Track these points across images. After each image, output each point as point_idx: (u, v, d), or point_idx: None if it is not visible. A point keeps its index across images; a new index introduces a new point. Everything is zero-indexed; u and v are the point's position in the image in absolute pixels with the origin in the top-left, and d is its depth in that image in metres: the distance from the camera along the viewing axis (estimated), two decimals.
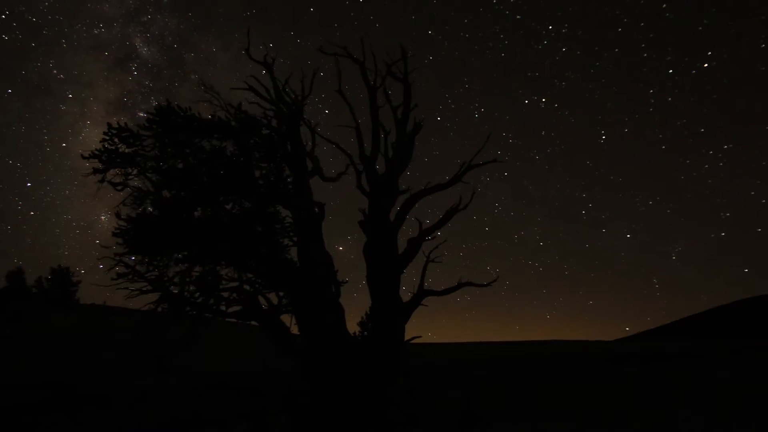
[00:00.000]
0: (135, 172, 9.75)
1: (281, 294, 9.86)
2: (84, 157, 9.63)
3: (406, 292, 9.64)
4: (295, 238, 9.97)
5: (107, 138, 9.53)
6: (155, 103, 9.79)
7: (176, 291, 9.65)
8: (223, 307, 9.69)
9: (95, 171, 9.66)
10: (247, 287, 9.78)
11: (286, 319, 9.77)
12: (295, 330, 9.64)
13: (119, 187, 9.71)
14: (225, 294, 9.71)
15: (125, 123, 9.56)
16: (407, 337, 9.42)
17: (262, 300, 9.78)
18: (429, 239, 9.89)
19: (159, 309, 9.63)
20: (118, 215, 9.53)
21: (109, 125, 9.58)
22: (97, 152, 9.55)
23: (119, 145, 9.61)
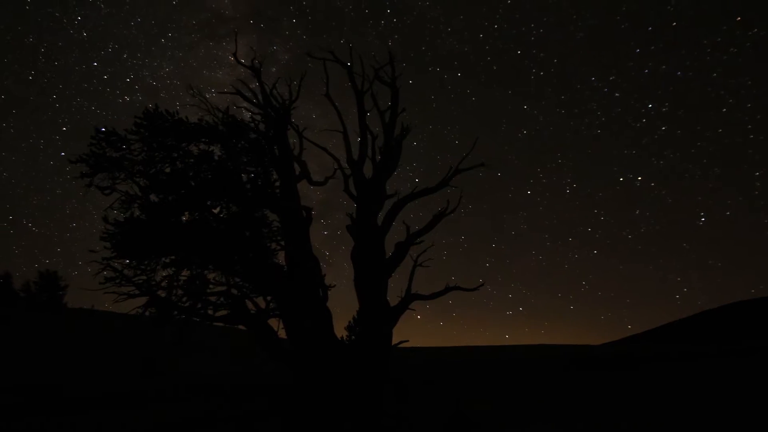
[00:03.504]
0: (122, 176, 9.72)
1: (269, 298, 9.84)
2: (71, 162, 9.60)
3: (395, 297, 9.67)
4: (282, 242, 9.97)
5: (94, 142, 9.51)
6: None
7: (164, 295, 9.63)
8: (210, 311, 9.66)
9: (83, 175, 9.63)
10: (234, 291, 9.77)
11: (274, 323, 9.76)
12: (282, 334, 9.64)
13: (107, 192, 9.68)
14: (212, 298, 9.69)
15: (113, 128, 9.55)
16: (395, 341, 9.43)
17: (249, 304, 9.77)
18: (417, 243, 9.92)
19: (147, 313, 9.61)
20: (105, 219, 9.51)
21: (97, 129, 9.56)
22: (84, 156, 9.52)
23: (107, 149, 9.59)
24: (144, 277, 9.56)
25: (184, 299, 9.65)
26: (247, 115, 10.17)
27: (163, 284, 9.63)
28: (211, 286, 9.80)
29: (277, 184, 10.04)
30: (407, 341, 9.68)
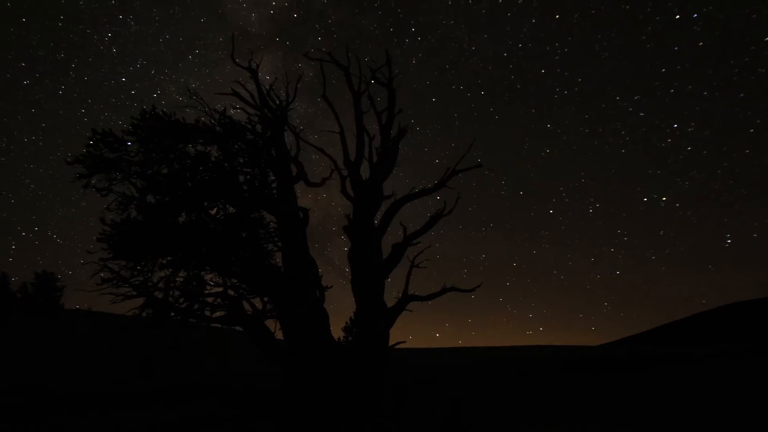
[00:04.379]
0: (119, 177, 9.72)
1: (266, 299, 9.84)
2: (68, 163, 9.60)
3: (393, 298, 9.69)
4: (279, 244, 9.97)
5: (92, 143, 9.51)
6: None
7: (161, 296, 9.62)
8: (207, 313, 9.66)
9: (80, 176, 9.63)
10: (231, 292, 9.77)
11: (271, 324, 9.77)
12: (279, 335, 9.65)
13: (104, 193, 9.68)
14: (209, 299, 9.70)
15: (110, 129, 9.56)
16: (392, 342, 9.44)
17: (246, 305, 9.77)
18: (414, 244, 9.93)
19: (143, 314, 9.60)
20: (102, 220, 9.50)
21: (94, 130, 9.56)
22: (81, 157, 9.52)
23: (104, 151, 9.59)
24: (141, 278, 9.56)
25: (181, 300, 9.65)
26: (244, 117, 10.17)
27: (160, 285, 9.63)
28: (208, 287, 9.80)
29: (274, 185, 10.04)
30: (404, 342, 9.69)
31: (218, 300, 9.66)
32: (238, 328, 9.80)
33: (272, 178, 10.10)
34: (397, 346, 9.49)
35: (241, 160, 10.04)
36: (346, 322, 11.70)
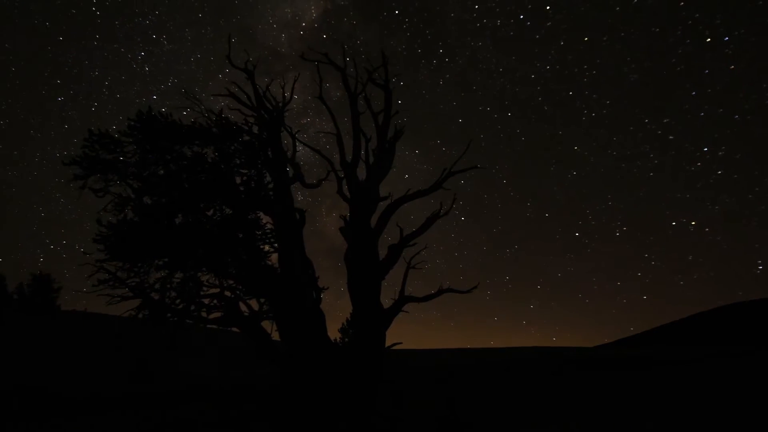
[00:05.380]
0: (116, 178, 9.72)
1: (262, 300, 9.83)
2: (65, 164, 9.60)
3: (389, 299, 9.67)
4: (276, 245, 9.96)
5: (88, 144, 9.51)
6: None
7: (157, 297, 9.61)
8: (204, 314, 9.65)
9: (76, 177, 9.62)
10: (228, 293, 9.76)
11: (267, 325, 9.76)
12: (276, 336, 9.64)
13: (100, 194, 9.67)
14: (206, 300, 9.68)
15: (106, 130, 9.55)
16: (388, 343, 9.43)
17: (243, 306, 9.76)
18: (410, 245, 9.92)
19: (140, 315, 9.59)
20: (99, 221, 9.49)
21: (90, 131, 9.56)
22: (77, 159, 9.51)
23: (100, 151, 9.58)
24: (137, 279, 9.54)
25: (178, 301, 9.63)
26: (241, 118, 10.16)
27: (157, 286, 9.61)
28: (204, 288, 9.78)
29: (271, 186, 10.04)
30: (400, 343, 9.69)
31: (215, 301, 9.65)
32: (234, 329, 9.79)
33: (269, 179, 10.11)
34: (393, 347, 9.49)
35: (238, 162, 10.04)
36: (343, 323, 11.69)
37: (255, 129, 10.15)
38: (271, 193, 9.98)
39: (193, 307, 9.62)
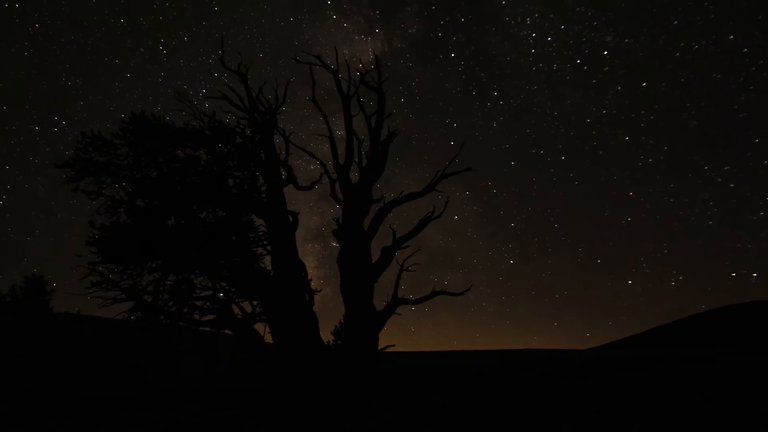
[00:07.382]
0: (109, 180, 9.71)
1: (255, 303, 9.83)
2: (57, 166, 9.58)
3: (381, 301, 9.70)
4: (269, 247, 9.97)
5: (81, 147, 9.49)
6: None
7: (150, 300, 9.60)
8: (197, 316, 9.65)
9: (69, 180, 9.60)
10: (221, 296, 9.76)
11: (260, 327, 9.76)
12: (269, 338, 9.64)
13: (93, 196, 9.66)
14: (199, 303, 9.68)
15: (98, 132, 9.55)
16: (381, 345, 9.45)
17: (236, 309, 9.76)
18: (403, 247, 9.94)
19: (133, 318, 9.58)
20: (92, 224, 9.48)
21: (83, 133, 9.55)
22: (70, 161, 9.50)
23: (93, 154, 9.57)
24: (130, 282, 9.54)
25: (171, 304, 9.63)
26: (233, 120, 10.17)
27: (150, 289, 9.60)
28: (197, 290, 9.78)
29: (264, 188, 10.04)
30: (393, 345, 9.70)
31: (207, 303, 9.65)
32: (227, 331, 9.79)
33: (261, 181, 10.11)
34: (386, 350, 9.50)
35: (231, 164, 10.04)
36: (336, 326, 11.70)
37: (248, 131, 10.15)
38: (264, 195, 9.98)
39: (186, 310, 9.62)
